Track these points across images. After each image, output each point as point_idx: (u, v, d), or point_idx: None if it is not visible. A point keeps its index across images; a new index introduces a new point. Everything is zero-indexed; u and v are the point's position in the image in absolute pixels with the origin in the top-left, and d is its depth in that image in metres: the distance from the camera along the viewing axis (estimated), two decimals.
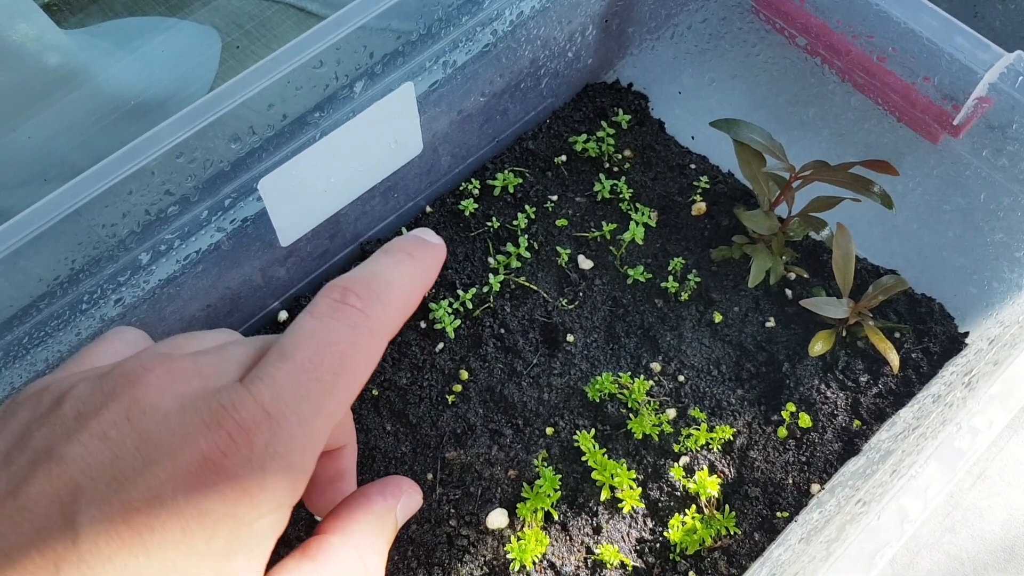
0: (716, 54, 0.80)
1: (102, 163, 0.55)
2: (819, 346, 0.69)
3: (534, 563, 0.62)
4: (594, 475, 0.65)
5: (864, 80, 0.68)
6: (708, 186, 0.80)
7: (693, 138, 0.83)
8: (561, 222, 0.79)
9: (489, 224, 0.79)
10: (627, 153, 0.83)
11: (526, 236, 0.78)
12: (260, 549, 0.26)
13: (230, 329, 0.34)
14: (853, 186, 0.66)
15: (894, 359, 0.66)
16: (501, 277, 0.76)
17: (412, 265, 0.30)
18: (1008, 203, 0.64)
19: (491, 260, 0.77)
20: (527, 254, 0.77)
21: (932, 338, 0.71)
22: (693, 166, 0.82)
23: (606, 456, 0.66)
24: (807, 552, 0.48)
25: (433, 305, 0.74)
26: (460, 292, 0.75)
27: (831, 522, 0.49)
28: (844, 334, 0.71)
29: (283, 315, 0.75)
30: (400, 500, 0.32)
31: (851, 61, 0.68)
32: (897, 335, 0.71)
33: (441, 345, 0.73)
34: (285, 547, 0.29)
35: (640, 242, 0.77)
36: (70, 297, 0.57)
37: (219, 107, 0.57)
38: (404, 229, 0.78)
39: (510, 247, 0.77)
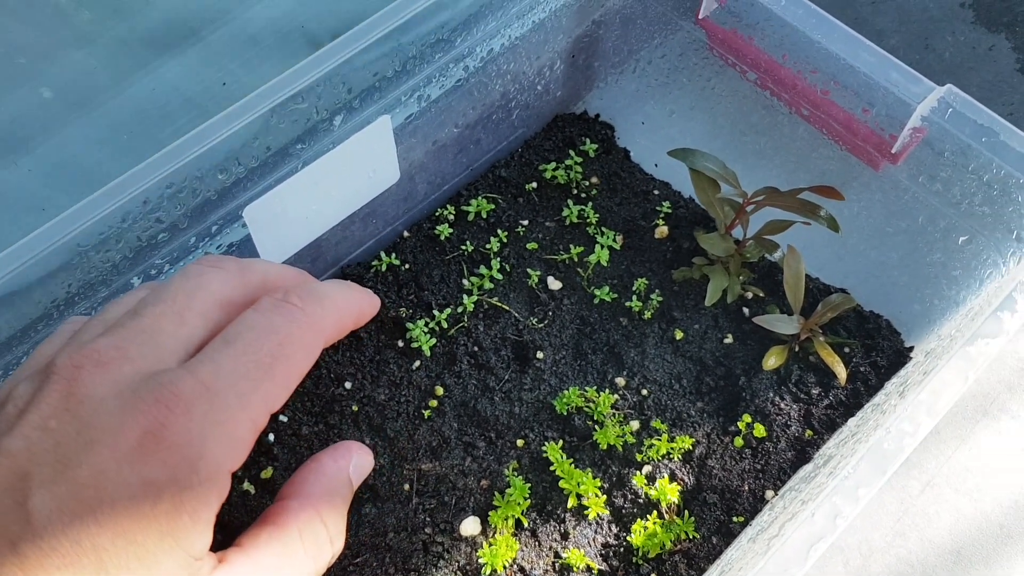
0: (676, 87, 0.85)
1: (98, 193, 0.59)
2: (772, 360, 0.73)
3: (505, 567, 0.66)
4: (562, 484, 0.69)
5: (810, 112, 0.73)
6: (670, 211, 0.85)
7: (656, 165, 0.88)
8: (532, 245, 0.83)
9: (464, 248, 0.83)
10: (594, 180, 0.87)
11: (499, 259, 0.82)
12: (204, 509, 0.28)
13: (151, 283, 0.36)
14: (802, 211, 0.71)
15: (841, 372, 0.71)
16: (475, 298, 0.80)
17: (349, 290, 0.35)
18: (944, 225, 0.69)
19: (465, 282, 0.81)
20: (499, 276, 0.81)
21: (879, 352, 0.75)
22: (656, 192, 0.87)
23: (573, 466, 0.70)
24: (753, 550, 0.52)
25: (410, 325, 0.78)
26: (436, 312, 0.79)
27: (776, 522, 0.53)
28: (797, 349, 0.76)
29: None
30: (351, 462, 0.35)
31: (798, 94, 0.73)
32: (847, 350, 0.76)
33: (418, 363, 0.77)
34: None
35: (606, 264, 0.81)
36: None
37: (208, 140, 0.61)
38: (383, 253, 0.82)
39: (483, 269, 0.81)
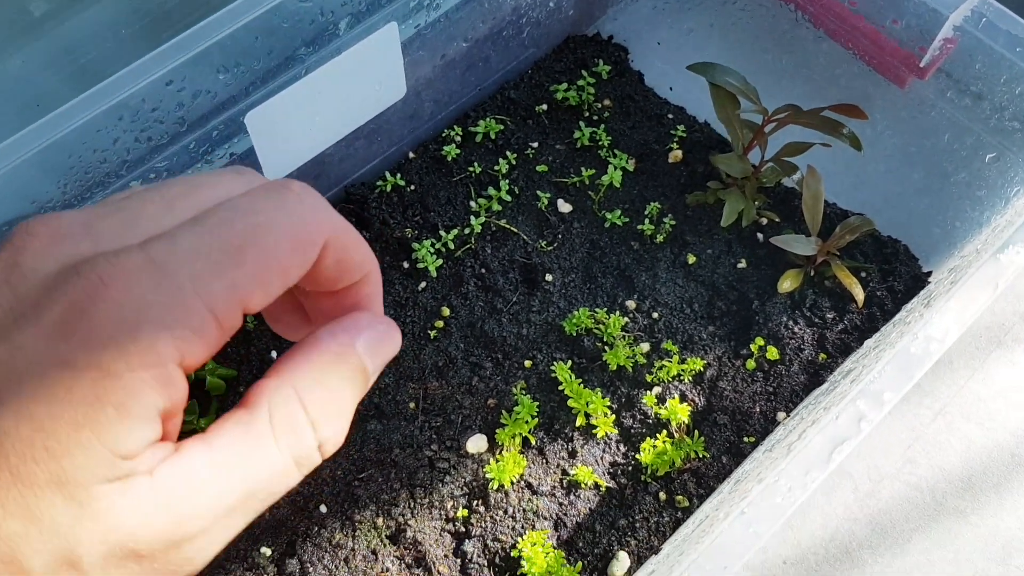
0: (694, 3, 0.82)
1: (93, 89, 0.56)
2: (787, 283, 0.72)
3: (512, 483, 0.65)
4: (570, 403, 0.68)
5: (835, 26, 0.71)
6: (685, 135, 0.83)
7: (671, 89, 0.85)
8: (541, 168, 0.81)
9: (471, 169, 0.81)
10: (606, 103, 0.85)
11: (507, 181, 0.80)
12: (135, 404, 0.23)
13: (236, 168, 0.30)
14: (824, 128, 0.69)
15: (859, 294, 0.69)
16: (482, 219, 0.78)
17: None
18: (971, 143, 0.67)
19: (473, 204, 0.79)
20: (508, 198, 0.79)
21: (896, 277, 0.73)
22: (670, 116, 0.84)
23: (582, 386, 0.69)
24: (770, 458, 0.51)
25: (416, 245, 0.76)
26: (442, 233, 0.77)
27: (794, 431, 0.52)
28: (812, 274, 0.74)
29: None
30: (360, 337, 0.28)
31: (823, 8, 0.70)
32: (863, 274, 0.74)
33: (424, 284, 0.76)
34: None
35: (618, 186, 0.79)
36: None
37: (208, 37, 0.59)
38: (388, 173, 0.80)
39: (491, 191, 0.79)
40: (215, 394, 0.69)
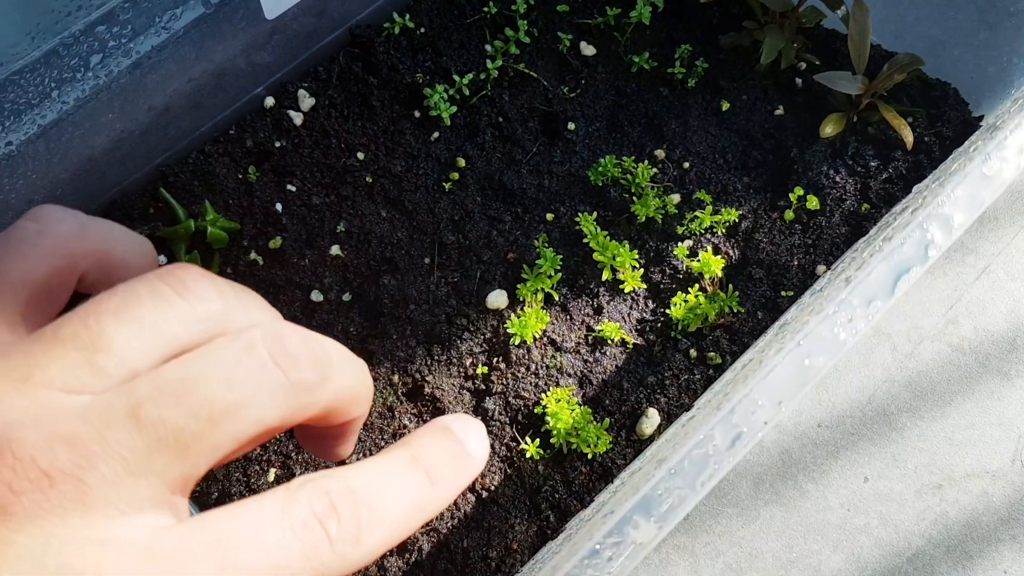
0: None
1: None
2: (830, 128, 0.66)
3: (534, 339, 0.61)
4: (595, 256, 0.64)
5: None
6: None
7: None
8: (562, 7, 0.74)
9: (486, 9, 0.74)
10: None
11: (525, 22, 0.73)
12: None
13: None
14: None
15: (908, 136, 0.64)
16: (499, 63, 0.72)
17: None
18: None
19: (488, 47, 0.73)
20: (526, 39, 0.73)
21: (946, 123, 0.68)
22: None
23: (608, 239, 0.64)
24: (821, 298, 0.47)
25: (428, 91, 0.70)
26: (456, 79, 0.71)
27: (851, 264, 0.48)
28: (855, 120, 0.69)
29: (269, 101, 0.71)
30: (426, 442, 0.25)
31: None
32: (910, 119, 0.68)
33: (437, 134, 0.70)
34: None
35: (647, 23, 0.73)
36: (50, 46, 0.54)
37: None
38: (396, 14, 0.73)
39: (508, 32, 0.73)
40: (217, 247, 0.65)
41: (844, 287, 0.40)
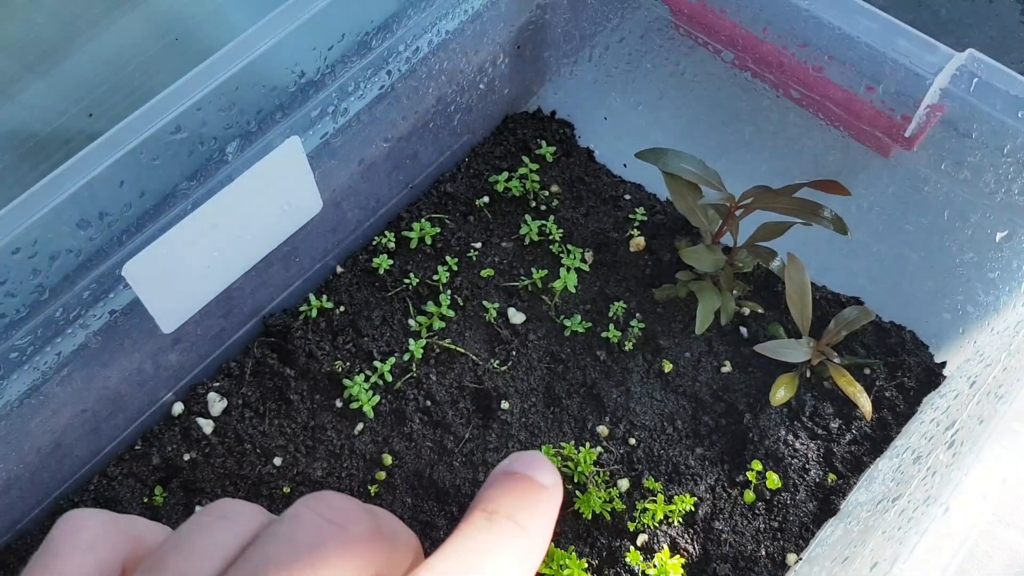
0: (640, 74, 0.72)
1: None
2: (781, 392, 0.62)
3: None
4: (542, 570, 0.57)
5: (801, 93, 0.61)
6: (645, 218, 0.73)
7: (625, 166, 0.76)
8: (487, 272, 0.71)
9: (407, 281, 0.70)
10: (554, 188, 0.75)
11: (449, 292, 0.70)
12: None
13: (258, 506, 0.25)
14: (801, 212, 0.59)
15: (866, 405, 0.59)
16: (423, 341, 0.67)
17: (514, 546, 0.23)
18: (976, 219, 0.58)
19: (411, 322, 0.69)
20: (451, 312, 0.69)
21: (906, 371, 0.64)
22: (627, 196, 0.75)
23: (553, 544, 0.58)
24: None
25: (348, 382, 0.66)
26: (378, 363, 0.67)
27: None
28: (808, 375, 0.64)
29: (178, 408, 0.65)
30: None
31: (784, 73, 0.61)
32: (867, 371, 0.64)
33: (360, 426, 0.65)
34: None
35: (574, 289, 0.69)
36: None
37: (55, 194, 0.49)
38: (312, 296, 0.69)
39: (431, 306, 0.69)
40: None
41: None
